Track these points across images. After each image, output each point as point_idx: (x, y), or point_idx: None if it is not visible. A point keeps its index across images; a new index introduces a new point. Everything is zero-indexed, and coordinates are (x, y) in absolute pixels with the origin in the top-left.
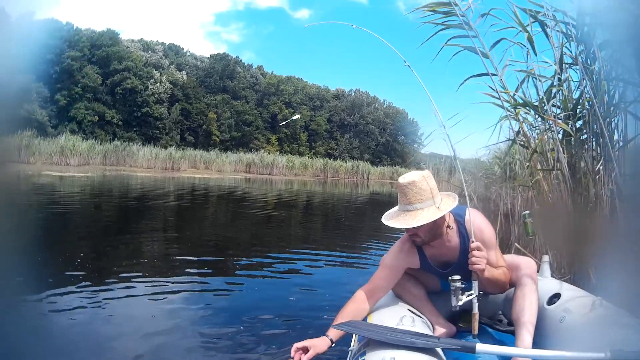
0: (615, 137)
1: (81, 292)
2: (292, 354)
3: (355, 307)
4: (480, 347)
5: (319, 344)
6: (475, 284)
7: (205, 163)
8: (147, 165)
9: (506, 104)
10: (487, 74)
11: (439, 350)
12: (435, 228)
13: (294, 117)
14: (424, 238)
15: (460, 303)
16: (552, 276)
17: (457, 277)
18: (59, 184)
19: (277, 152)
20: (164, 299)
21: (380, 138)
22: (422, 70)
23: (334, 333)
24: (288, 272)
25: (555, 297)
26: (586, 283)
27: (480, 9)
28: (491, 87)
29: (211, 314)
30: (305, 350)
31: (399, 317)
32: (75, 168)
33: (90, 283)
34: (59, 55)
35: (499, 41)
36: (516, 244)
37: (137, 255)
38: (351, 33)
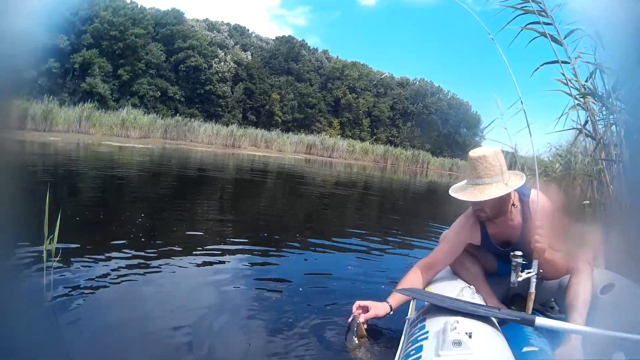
0: None
1: (127, 260)
2: (354, 311)
3: (414, 277)
4: (540, 320)
5: (380, 307)
6: (535, 262)
7: (266, 142)
8: (207, 141)
9: (575, 92)
10: (558, 62)
11: (496, 323)
12: (501, 204)
13: (382, 76)
14: (489, 214)
15: (520, 279)
16: (606, 268)
17: (519, 252)
18: (117, 153)
19: (339, 136)
20: (210, 273)
21: (442, 129)
22: (494, 59)
23: (393, 300)
24: (341, 251)
25: (609, 286)
26: None
27: None
28: (563, 74)
29: (256, 289)
30: (366, 309)
31: (459, 288)
32: (135, 140)
33: (138, 252)
34: (123, 32)
35: (573, 31)
36: None
37: (188, 225)
38: (418, 22)
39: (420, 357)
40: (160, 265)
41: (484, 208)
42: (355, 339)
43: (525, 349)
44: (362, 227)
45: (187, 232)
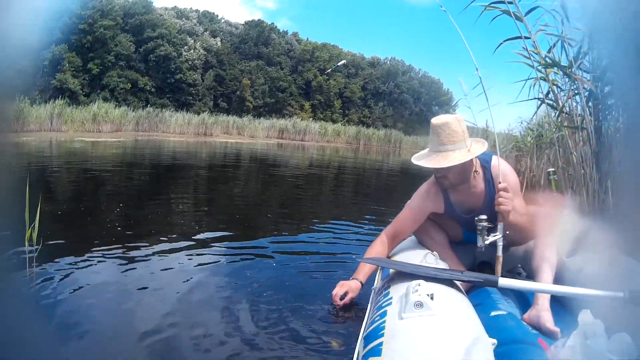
0: None
1: (105, 255)
2: (337, 303)
3: (380, 247)
4: (503, 281)
5: (354, 286)
6: (500, 225)
7: (238, 129)
8: (179, 130)
9: (536, 64)
10: (520, 37)
11: (461, 287)
12: (464, 171)
13: (340, 63)
14: (452, 180)
15: (486, 243)
16: None
17: (484, 216)
18: (91, 148)
19: (310, 119)
20: (186, 267)
21: (414, 107)
22: (443, 50)
23: (361, 274)
24: (314, 239)
25: (573, 250)
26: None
27: None
28: (525, 48)
29: (232, 282)
30: (345, 294)
31: (422, 255)
32: (107, 134)
33: (115, 246)
34: (92, 25)
35: (534, 8)
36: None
37: (165, 215)
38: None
39: (384, 321)
40: (139, 255)
41: (447, 175)
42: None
43: (493, 314)
44: (336, 209)
45: (164, 222)
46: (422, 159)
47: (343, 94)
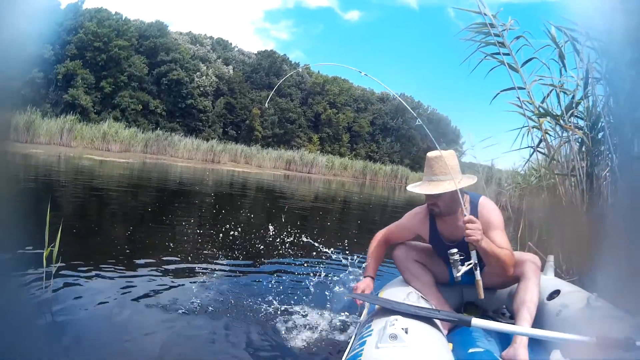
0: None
1: (104, 275)
2: (358, 303)
3: (378, 250)
4: (476, 321)
5: (368, 285)
6: (473, 253)
7: (245, 157)
8: (187, 155)
9: (529, 113)
10: (514, 88)
11: (440, 325)
12: (453, 202)
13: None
14: (441, 208)
15: (460, 273)
16: (555, 276)
17: (455, 250)
18: (98, 167)
19: (318, 152)
20: (185, 289)
21: (421, 144)
22: (463, 84)
23: (370, 271)
24: (311, 270)
25: (555, 293)
26: (593, 284)
27: (517, 30)
28: (519, 99)
29: (225, 307)
30: (362, 292)
31: (406, 294)
32: (116, 154)
33: (114, 267)
34: (107, 44)
35: (530, 59)
36: (529, 243)
37: (171, 240)
38: (400, 37)
39: (363, 350)
40: (143, 275)
41: (437, 203)
42: None
43: (471, 350)
44: (338, 242)
45: (167, 246)
46: (416, 187)
47: (351, 128)
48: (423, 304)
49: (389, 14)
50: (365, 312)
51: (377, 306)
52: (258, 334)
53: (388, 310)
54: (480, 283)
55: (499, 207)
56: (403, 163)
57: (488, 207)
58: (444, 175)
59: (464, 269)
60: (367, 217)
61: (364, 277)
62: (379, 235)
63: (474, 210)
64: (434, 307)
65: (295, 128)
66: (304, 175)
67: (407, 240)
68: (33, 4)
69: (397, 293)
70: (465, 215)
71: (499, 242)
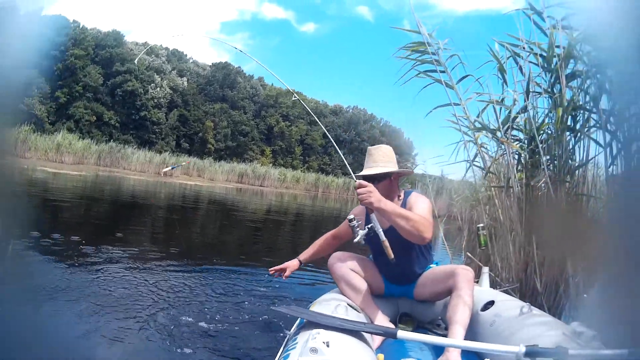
0: (577, 159)
1: (59, 286)
2: (270, 272)
3: (322, 242)
4: (401, 333)
5: (292, 264)
6: (373, 216)
7: (198, 170)
8: (140, 168)
9: (465, 129)
10: (450, 104)
11: (369, 339)
12: (389, 190)
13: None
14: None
15: (359, 237)
16: (491, 286)
17: (352, 216)
18: (52, 179)
19: (271, 164)
20: (136, 303)
21: None
22: (404, 99)
23: (303, 257)
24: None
25: (490, 304)
26: (534, 293)
27: (453, 48)
28: (454, 115)
29: (186, 310)
30: (282, 270)
31: (334, 306)
32: (69, 166)
33: (70, 277)
34: (64, 53)
35: (465, 77)
36: (467, 254)
37: (119, 254)
38: (355, 50)
39: None
40: (96, 288)
41: (376, 188)
42: None
43: None
44: (288, 254)
45: (123, 260)
46: (360, 173)
47: (304, 140)
48: (353, 316)
49: (345, 26)
50: (296, 323)
51: (305, 320)
52: (190, 348)
53: (314, 323)
54: (387, 243)
55: (450, 218)
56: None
57: (417, 196)
58: (383, 163)
59: (361, 232)
60: (319, 229)
61: (297, 258)
62: (327, 234)
63: (405, 200)
64: (365, 319)
65: (248, 141)
66: (256, 188)
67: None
68: None
69: (328, 305)
70: (355, 181)
71: (417, 211)
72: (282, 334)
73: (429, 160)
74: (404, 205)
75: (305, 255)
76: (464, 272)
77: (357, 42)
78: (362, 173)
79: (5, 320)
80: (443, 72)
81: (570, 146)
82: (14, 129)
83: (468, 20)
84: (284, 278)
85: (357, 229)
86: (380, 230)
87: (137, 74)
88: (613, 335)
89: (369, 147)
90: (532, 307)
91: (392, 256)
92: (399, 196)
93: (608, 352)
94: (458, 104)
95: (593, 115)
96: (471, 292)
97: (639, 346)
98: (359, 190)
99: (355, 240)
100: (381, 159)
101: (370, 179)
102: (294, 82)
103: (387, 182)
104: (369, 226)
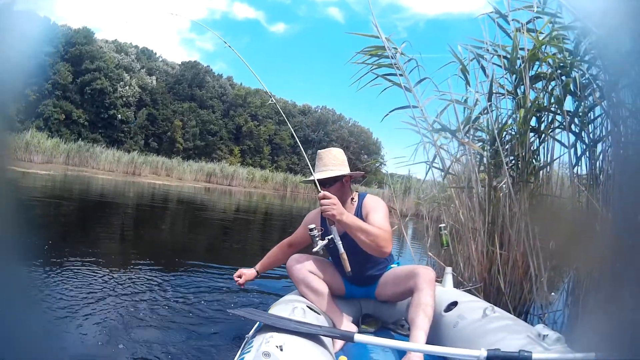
0: (542, 159)
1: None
2: (235, 279)
3: (277, 251)
4: (359, 336)
5: (249, 273)
6: (333, 228)
7: (166, 170)
8: (109, 168)
9: (424, 131)
10: (409, 107)
11: (327, 342)
12: (342, 194)
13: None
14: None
15: (318, 247)
16: (455, 286)
17: (312, 225)
18: (21, 179)
19: (239, 164)
20: (92, 303)
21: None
22: (370, 100)
23: (260, 267)
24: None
25: (453, 304)
26: (499, 293)
27: (413, 48)
28: (412, 117)
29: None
30: (239, 276)
31: (292, 308)
32: (38, 165)
33: (38, 277)
34: (37, 50)
35: (423, 79)
36: (429, 254)
37: (88, 253)
38: (324, 51)
39: None
40: (63, 288)
41: (329, 191)
42: None
43: None
44: (258, 250)
45: (87, 259)
46: (308, 178)
47: (273, 140)
48: (312, 318)
49: (315, 26)
50: (255, 327)
51: (262, 323)
52: (146, 348)
53: (270, 326)
54: (345, 256)
55: (418, 217)
56: None
57: (372, 198)
58: (333, 166)
59: (321, 243)
60: (287, 228)
61: (254, 268)
62: (283, 240)
63: (359, 203)
64: (327, 321)
65: (216, 140)
66: (225, 187)
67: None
68: None
69: (286, 307)
70: (319, 192)
71: (376, 222)
72: (241, 337)
73: (390, 161)
74: (359, 208)
75: (261, 265)
76: (425, 272)
77: (327, 43)
78: (310, 178)
79: None
80: (401, 75)
81: (535, 147)
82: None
83: (438, 24)
84: (240, 285)
85: (317, 239)
86: (340, 243)
87: (106, 72)
88: (581, 337)
89: (319, 151)
90: (495, 308)
91: (349, 269)
92: (352, 199)
93: (574, 355)
94: (416, 107)
95: (557, 117)
96: (432, 292)
97: (613, 350)
98: (322, 202)
99: (314, 249)
100: (331, 162)
101: (322, 182)
102: (263, 82)
103: (338, 186)
104: (329, 237)
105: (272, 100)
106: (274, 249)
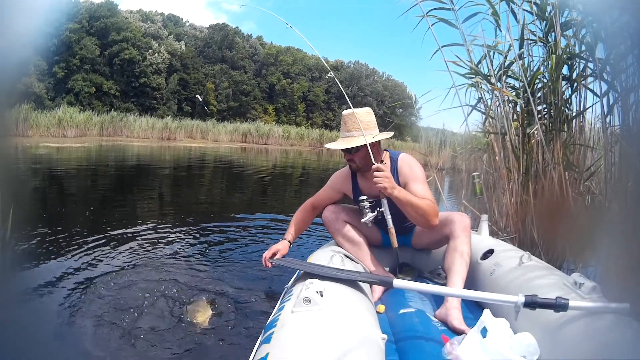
0: (574, 109)
1: (76, 254)
2: (264, 264)
3: (301, 216)
4: (397, 282)
5: (283, 247)
6: (384, 201)
7: (201, 133)
8: (143, 135)
9: (462, 71)
10: (457, 44)
11: (367, 289)
12: (369, 159)
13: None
14: (358, 164)
15: (368, 218)
16: (490, 235)
17: (364, 197)
18: (56, 154)
19: (274, 122)
20: (155, 266)
21: (378, 110)
22: (404, 41)
23: (289, 235)
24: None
25: (489, 252)
26: (532, 245)
27: None
28: (458, 57)
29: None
30: (273, 255)
31: (330, 256)
32: (72, 139)
33: (86, 246)
34: (58, 28)
35: (473, 15)
36: (464, 202)
37: (132, 219)
38: (353, 4)
39: (280, 314)
40: (106, 256)
41: (354, 159)
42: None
43: (402, 311)
44: (295, 202)
45: (131, 227)
46: (332, 144)
47: (306, 97)
48: (349, 266)
49: None
50: (294, 277)
51: (302, 271)
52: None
53: (309, 274)
54: (393, 231)
55: (455, 170)
56: None
57: (407, 161)
58: (357, 131)
59: (370, 215)
60: (325, 180)
61: (282, 239)
62: (306, 202)
63: (394, 166)
64: (363, 269)
65: (250, 100)
66: (261, 146)
67: (335, 200)
68: None
69: (324, 256)
70: (374, 164)
71: (419, 193)
72: (281, 289)
73: (425, 112)
74: (394, 173)
75: (289, 234)
76: (460, 219)
77: None
78: (337, 146)
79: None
80: (450, 9)
81: (567, 96)
82: (13, 109)
83: None
84: (267, 265)
85: (367, 210)
86: (389, 217)
87: (134, 41)
88: (616, 288)
89: (343, 113)
90: (532, 256)
91: (396, 245)
92: (382, 161)
93: (609, 305)
94: (462, 45)
95: (589, 65)
96: (468, 239)
97: None
98: (376, 174)
99: (363, 220)
100: (355, 127)
101: (346, 150)
102: (293, 40)
103: (364, 152)
104: (380, 210)
105: (330, 74)
106: (298, 213)
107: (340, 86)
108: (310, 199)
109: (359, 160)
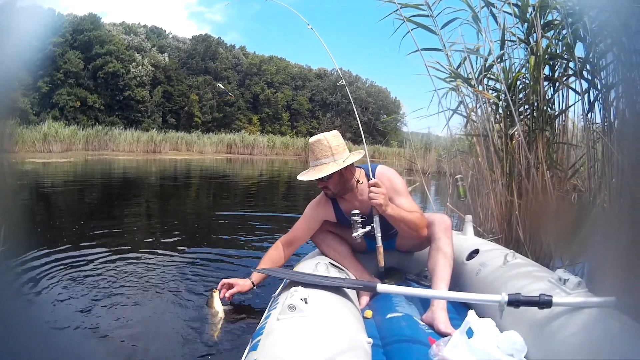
0: (557, 108)
1: (62, 268)
2: (218, 287)
3: (275, 253)
4: (381, 286)
5: (242, 284)
6: (376, 218)
7: (186, 145)
8: (128, 149)
9: (443, 76)
10: (436, 49)
11: (352, 295)
12: (344, 181)
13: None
14: (333, 190)
15: (359, 233)
16: (475, 235)
17: (357, 211)
18: (42, 170)
19: (259, 132)
20: (143, 278)
21: (362, 117)
22: (382, 45)
23: (255, 277)
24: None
25: (475, 252)
26: (518, 244)
27: None
28: (438, 62)
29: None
30: (230, 286)
31: (314, 265)
32: (58, 154)
33: (74, 259)
34: (42, 42)
35: (451, 20)
36: (447, 204)
37: (119, 233)
38: (334, 13)
39: (267, 322)
40: (93, 268)
41: (328, 186)
42: (209, 310)
43: (389, 316)
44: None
45: (115, 238)
46: (303, 175)
47: (291, 106)
48: (334, 273)
49: None
50: (281, 286)
51: (288, 280)
52: (183, 307)
53: (294, 282)
54: (381, 250)
55: (440, 174)
56: (345, 137)
57: (387, 175)
58: (325, 158)
59: (361, 231)
60: (311, 189)
61: (249, 278)
62: (280, 239)
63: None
64: (347, 276)
65: (234, 111)
66: (246, 157)
67: (315, 231)
68: None
69: (309, 265)
70: (370, 180)
71: (406, 206)
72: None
73: (410, 116)
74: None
75: (255, 275)
76: (440, 220)
77: (340, 3)
78: (309, 178)
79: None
80: (429, 16)
81: (549, 96)
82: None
83: None
84: (227, 299)
85: (358, 225)
86: (379, 236)
87: (117, 54)
88: (601, 282)
89: (310, 141)
90: (516, 254)
91: (383, 264)
92: (358, 181)
93: (594, 299)
94: (440, 50)
95: (570, 65)
96: (450, 240)
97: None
98: (372, 189)
99: (354, 234)
100: (323, 154)
101: (319, 178)
102: (277, 49)
103: (336, 178)
104: (372, 225)
105: (342, 82)
106: (271, 251)
107: (350, 96)
108: (284, 236)
109: (334, 187)
